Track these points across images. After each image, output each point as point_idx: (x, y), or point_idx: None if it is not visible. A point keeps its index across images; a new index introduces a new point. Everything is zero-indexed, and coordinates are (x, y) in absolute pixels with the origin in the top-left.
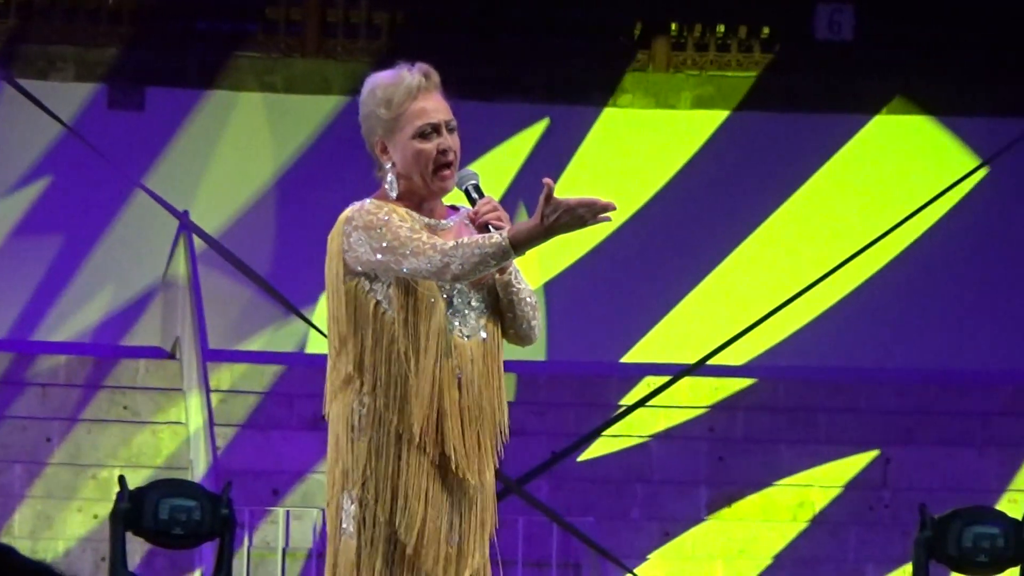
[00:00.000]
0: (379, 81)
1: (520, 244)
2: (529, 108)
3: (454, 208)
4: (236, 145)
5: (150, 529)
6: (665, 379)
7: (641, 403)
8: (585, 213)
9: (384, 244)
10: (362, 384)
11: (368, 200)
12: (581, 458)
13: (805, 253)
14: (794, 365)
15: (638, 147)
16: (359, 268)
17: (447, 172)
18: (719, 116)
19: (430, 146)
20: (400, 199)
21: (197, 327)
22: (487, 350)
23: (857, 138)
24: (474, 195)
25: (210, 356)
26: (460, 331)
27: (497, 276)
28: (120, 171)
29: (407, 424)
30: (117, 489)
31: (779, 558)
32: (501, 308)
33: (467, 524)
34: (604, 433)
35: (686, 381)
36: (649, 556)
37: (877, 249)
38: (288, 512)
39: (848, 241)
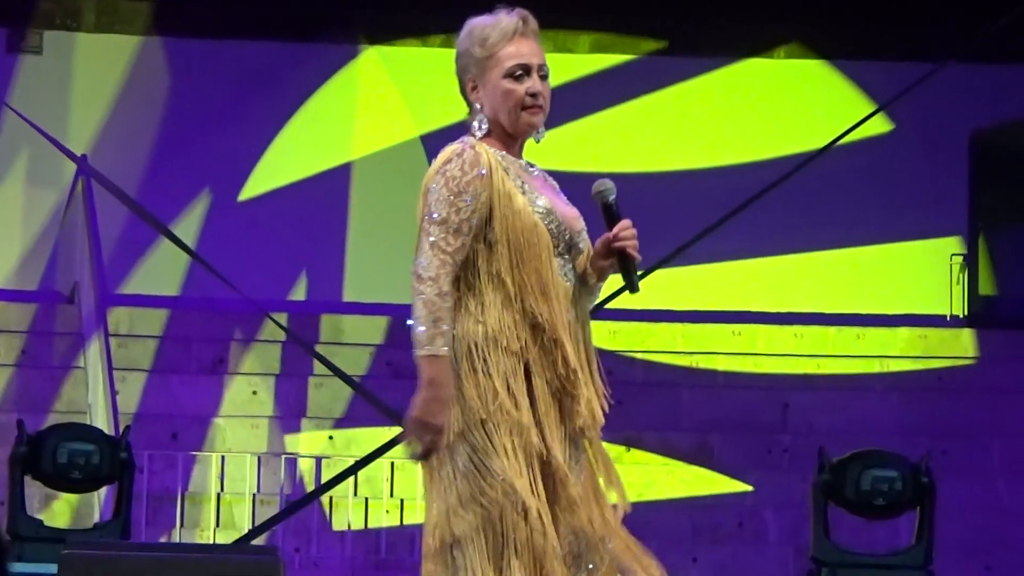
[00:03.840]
0: (476, 22)
1: (425, 369)
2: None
3: (530, 164)
4: (133, 90)
5: (48, 473)
6: None
7: None
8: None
9: (438, 211)
10: (482, 312)
11: (467, 150)
12: None
13: None
14: (692, 310)
15: None
16: None
17: (535, 114)
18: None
19: (520, 87)
20: (488, 139)
21: (95, 271)
22: (575, 295)
23: (753, 82)
24: (614, 211)
25: (109, 300)
26: (564, 274)
27: (592, 282)
28: (19, 115)
29: (531, 349)
30: (15, 433)
31: (678, 503)
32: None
33: (583, 457)
34: None
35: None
36: None
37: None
38: (187, 456)
39: (746, 185)
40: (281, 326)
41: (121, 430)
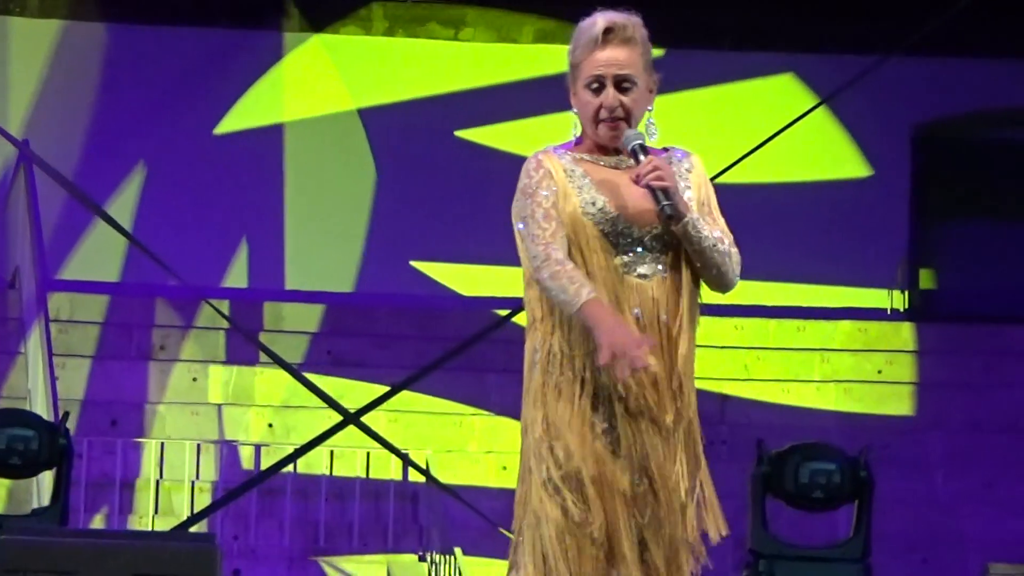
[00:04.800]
0: (578, 25)
1: (586, 319)
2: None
3: (664, 149)
4: (70, 75)
5: None
6: (505, 312)
7: (480, 336)
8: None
9: (523, 214)
10: (542, 324)
11: (530, 160)
12: (418, 390)
13: None
14: None
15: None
16: None
17: (612, 127)
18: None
19: (595, 100)
20: (579, 144)
21: (37, 257)
22: (670, 288)
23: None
24: (640, 155)
25: (50, 286)
26: (636, 271)
27: (673, 227)
28: None
29: (582, 363)
30: None
31: None
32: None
33: (655, 465)
34: (443, 366)
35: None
36: (486, 487)
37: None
38: (126, 443)
39: None
40: (221, 313)
41: (60, 416)
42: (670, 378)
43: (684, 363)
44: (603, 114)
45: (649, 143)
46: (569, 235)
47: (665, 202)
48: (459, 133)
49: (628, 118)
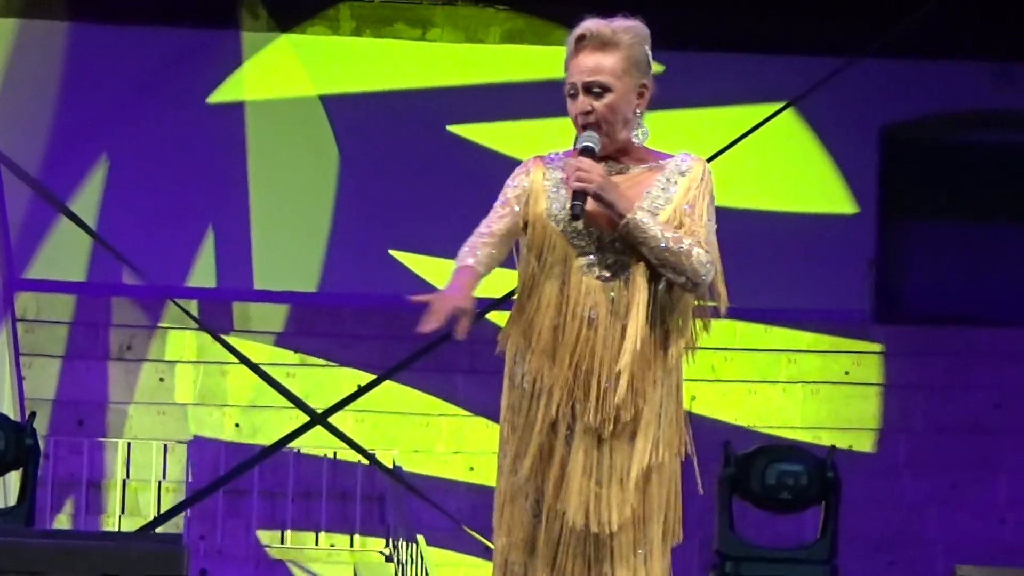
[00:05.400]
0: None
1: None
2: None
3: (665, 155)
4: (31, 73)
5: None
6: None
7: (447, 336)
8: None
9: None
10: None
11: (534, 157)
12: (388, 392)
13: None
14: None
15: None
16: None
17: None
18: (529, 51)
19: (573, 107)
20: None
21: (4, 256)
22: (631, 288)
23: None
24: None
25: (16, 285)
26: (597, 273)
27: (620, 231)
28: None
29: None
30: None
31: None
32: None
33: (607, 476)
34: (410, 367)
35: (495, 315)
36: (453, 488)
37: None
38: (93, 443)
39: None
40: (188, 313)
41: (27, 416)
42: (616, 385)
43: (639, 363)
44: (580, 120)
45: (645, 142)
46: (533, 236)
47: (574, 201)
48: (440, 126)
49: (600, 123)
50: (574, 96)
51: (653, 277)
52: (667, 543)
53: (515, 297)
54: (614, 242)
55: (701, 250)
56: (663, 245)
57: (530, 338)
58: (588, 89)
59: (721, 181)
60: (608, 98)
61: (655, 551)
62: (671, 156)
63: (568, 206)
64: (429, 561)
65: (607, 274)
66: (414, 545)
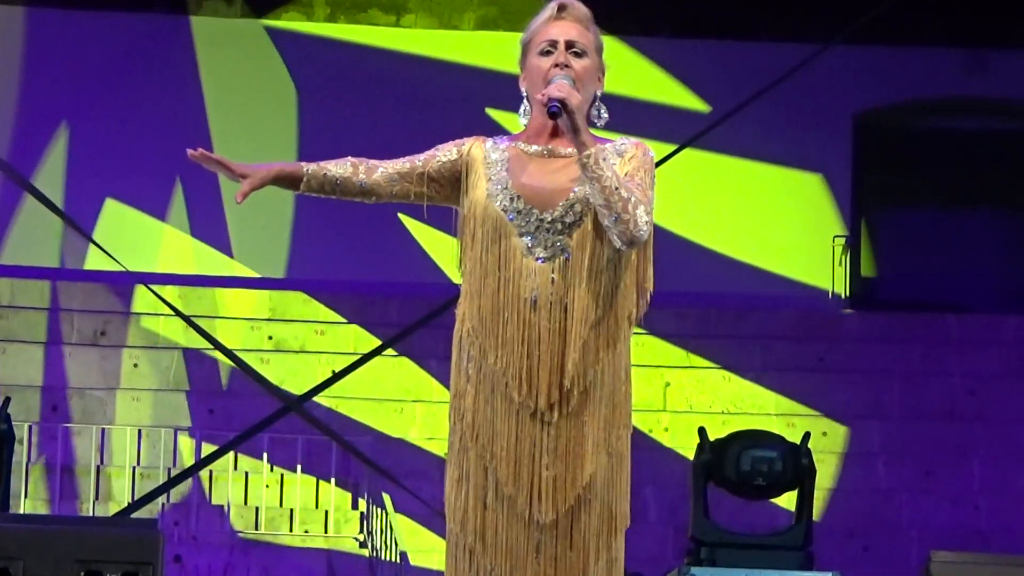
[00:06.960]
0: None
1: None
2: None
3: (608, 140)
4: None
5: None
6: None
7: (421, 323)
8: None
9: None
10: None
11: (478, 138)
12: (360, 377)
13: None
14: None
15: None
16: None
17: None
18: (502, 37)
19: (546, 61)
20: (525, 131)
21: None
22: (571, 269)
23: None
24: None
25: None
26: (536, 254)
27: (582, 162)
28: None
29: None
30: None
31: None
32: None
33: (552, 459)
34: (384, 353)
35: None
36: (427, 474)
37: None
38: (67, 428)
39: None
40: (162, 299)
41: (1, 401)
42: (562, 367)
43: (586, 350)
44: (552, 71)
45: (598, 129)
46: (474, 219)
47: (553, 102)
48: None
49: (575, 79)
50: (547, 53)
51: (592, 257)
52: (620, 525)
53: (460, 282)
54: (556, 222)
55: (643, 211)
56: (615, 186)
57: (473, 322)
58: (569, 47)
59: (704, 170)
60: (585, 61)
61: (606, 533)
62: (611, 141)
63: (546, 102)
64: (404, 543)
65: (546, 255)
66: (389, 532)
